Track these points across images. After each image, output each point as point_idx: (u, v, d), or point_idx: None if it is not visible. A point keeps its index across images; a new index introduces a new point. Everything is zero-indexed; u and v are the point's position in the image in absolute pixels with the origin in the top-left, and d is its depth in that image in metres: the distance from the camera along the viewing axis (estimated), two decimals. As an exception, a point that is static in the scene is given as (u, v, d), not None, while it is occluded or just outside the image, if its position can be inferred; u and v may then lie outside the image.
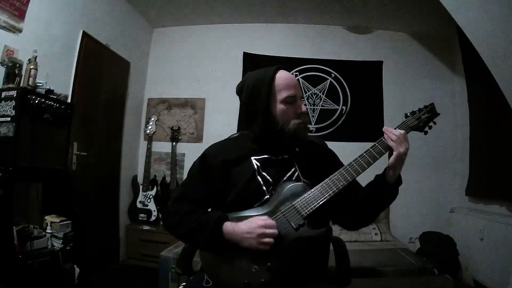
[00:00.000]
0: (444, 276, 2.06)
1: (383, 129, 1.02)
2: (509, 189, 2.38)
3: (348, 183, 0.99)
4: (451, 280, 2.06)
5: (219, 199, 1.06)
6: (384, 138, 1.01)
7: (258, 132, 1.08)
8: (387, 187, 1.01)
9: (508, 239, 2.34)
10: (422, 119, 1.08)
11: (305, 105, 1.21)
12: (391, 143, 0.98)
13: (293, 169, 1.06)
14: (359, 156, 1.01)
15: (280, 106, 1.04)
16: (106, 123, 2.99)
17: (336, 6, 3.11)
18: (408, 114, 1.09)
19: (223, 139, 1.21)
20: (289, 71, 1.12)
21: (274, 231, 0.93)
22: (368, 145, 1.03)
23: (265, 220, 0.94)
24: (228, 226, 0.96)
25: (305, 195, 0.98)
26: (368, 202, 1.04)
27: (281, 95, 1.04)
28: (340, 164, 1.08)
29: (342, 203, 1.05)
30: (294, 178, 1.05)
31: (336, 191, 0.98)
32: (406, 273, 2.06)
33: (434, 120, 1.10)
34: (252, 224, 0.94)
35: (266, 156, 1.07)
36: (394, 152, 0.98)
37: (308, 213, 0.97)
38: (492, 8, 1.84)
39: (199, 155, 1.15)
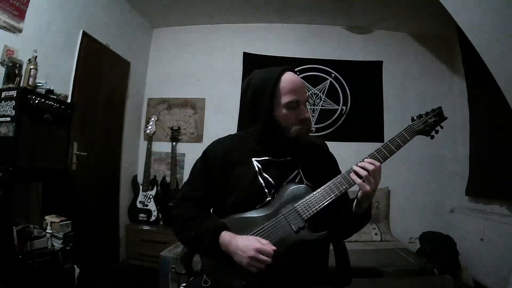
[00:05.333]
0: (444, 276, 2.06)
1: (352, 168, 0.96)
2: (509, 189, 2.37)
3: (350, 187, 0.98)
4: (451, 280, 2.06)
5: (220, 199, 1.05)
6: (350, 176, 0.96)
7: (260, 133, 1.07)
8: (354, 218, 1.01)
9: (508, 239, 2.34)
10: (429, 123, 1.05)
11: (308, 105, 1.21)
12: (358, 181, 0.93)
13: (296, 172, 1.05)
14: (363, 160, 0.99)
15: (282, 110, 1.02)
16: (106, 123, 2.99)
17: (336, 6, 3.10)
18: (415, 117, 1.05)
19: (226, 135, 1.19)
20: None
21: (267, 258, 0.89)
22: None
23: (263, 244, 0.90)
24: (226, 237, 0.94)
25: (307, 197, 0.98)
26: (341, 224, 1.06)
27: (285, 99, 1.02)
28: (338, 172, 1.06)
29: (331, 212, 1.04)
30: (297, 180, 1.04)
31: (338, 194, 0.97)
32: (406, 273, 2.06)
33: (441, 124, 1.07)
34: (249, 243, 0.90)
35: (267, 158, 1.06)
36: (360, 190, 0.95)
37: (309, 216, 0.96)
38: (492, 8, 1.84)
39: (200, 154, 1.14)
